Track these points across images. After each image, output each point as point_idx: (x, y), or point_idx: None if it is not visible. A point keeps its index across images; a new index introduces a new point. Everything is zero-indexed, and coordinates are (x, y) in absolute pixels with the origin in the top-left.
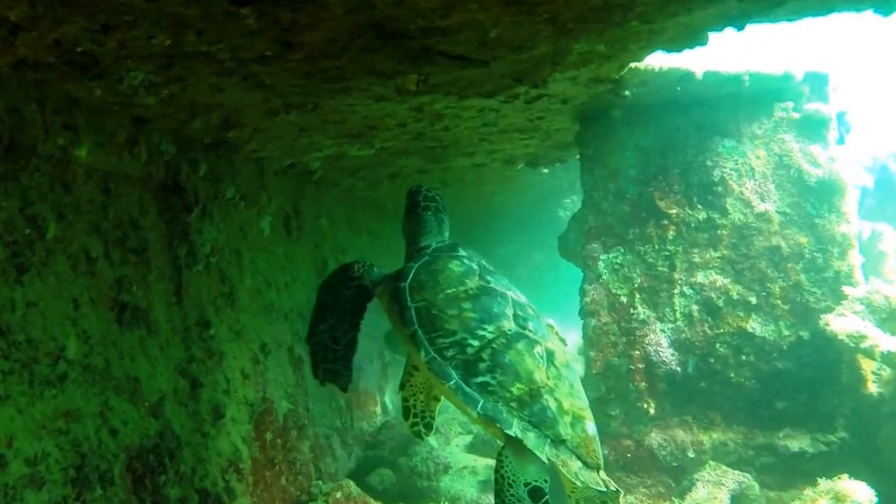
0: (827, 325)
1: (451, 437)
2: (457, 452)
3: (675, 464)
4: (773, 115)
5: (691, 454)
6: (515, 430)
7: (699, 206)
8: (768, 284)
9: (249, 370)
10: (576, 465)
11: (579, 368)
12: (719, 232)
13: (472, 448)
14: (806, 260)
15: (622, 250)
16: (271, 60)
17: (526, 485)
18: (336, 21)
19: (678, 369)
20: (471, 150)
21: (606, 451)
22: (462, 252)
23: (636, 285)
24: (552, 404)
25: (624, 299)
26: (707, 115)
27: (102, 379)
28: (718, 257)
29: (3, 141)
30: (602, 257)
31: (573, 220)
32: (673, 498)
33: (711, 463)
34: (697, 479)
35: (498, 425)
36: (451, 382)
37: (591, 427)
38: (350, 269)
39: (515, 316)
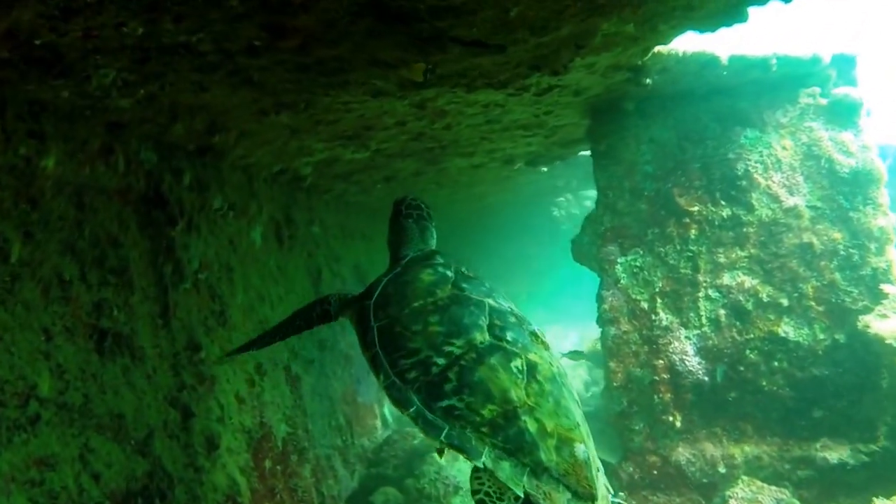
0: (867, 326)
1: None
2: (466, 471)
3: (704, 480)
4: (798, 102)
5: (722, 469)
6: (486, 459)
7: (722, 203)
8: (800, 284)
9: (245, 394)
10: (563, 496)
11: (581, 374)
12: (745, 229)
13: None
14: (841, 257)
15: (641, 252)
16: (261, 51)
17: (517, 499)
18: (333, 0)
19: (706, 378)
20: (470, 150)
21: (631, 469)
22: (438, 260)
23: (657, 289)
24: (532, 426)
25: (645, 305)
26: (727, 104)
27: (81, 417)
28: (745, 257)
29: None
30: (620, 260)
31: (587, 222)
32: None
33: (745, 478)
34: (730, 497)
35: (465, 456)
36: (411, 410)
37: (581, 451)
38: (325, 300)
39: (491, 326)
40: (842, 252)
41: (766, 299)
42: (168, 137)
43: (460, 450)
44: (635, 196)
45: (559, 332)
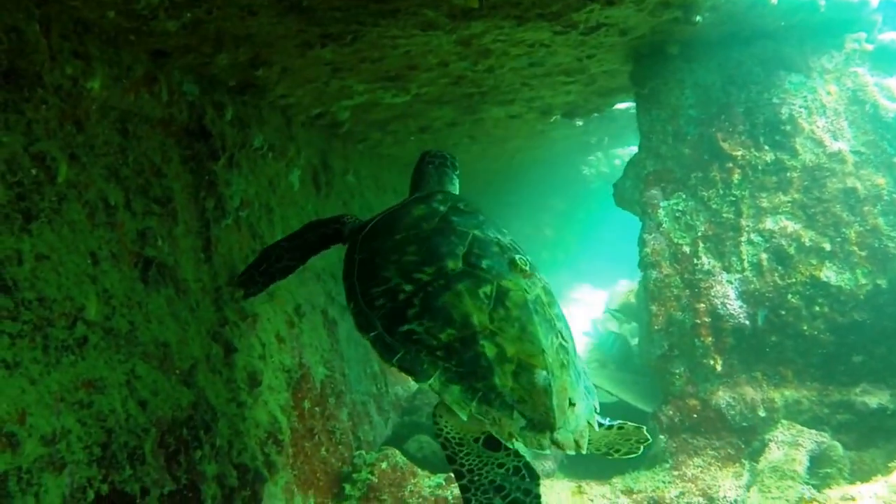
0: None
1: None
2: None
3: (744, 424)
4: (843, 48)
5: (762, 413)
6: (433, 381)
7: (766, 147)
8: (843, 229)
9: (285, 334)
10: (514, 423)
11: (611, 328)
12: (789, 174)
13: None
14: (884, 202)
15: (683, 196)
16: None
17: (476, 440)
18: None
19: (747, 322)
20: (510, 98)
21: (671, 412)
22: (438, 197)
23: (700, 234)
24: (489, 351)
25: (687, 249)
26: (772, 49)
27: (128, 344)
28: (788, 201)
29: (0, 65)
30: (662, 204)
31: (629, 165)
32: (743, 460)
33: (784, 422)
34: (770, 440)
35: (413, 377)
36: (372, 334)
37: (541, 377)
38: (341, 216)
39: (468, 254)
40: (885, 197)
41: (808, 244)
42: (211, 69)
43: (410, 371)
44: (678, 140)
45: (588, 292)
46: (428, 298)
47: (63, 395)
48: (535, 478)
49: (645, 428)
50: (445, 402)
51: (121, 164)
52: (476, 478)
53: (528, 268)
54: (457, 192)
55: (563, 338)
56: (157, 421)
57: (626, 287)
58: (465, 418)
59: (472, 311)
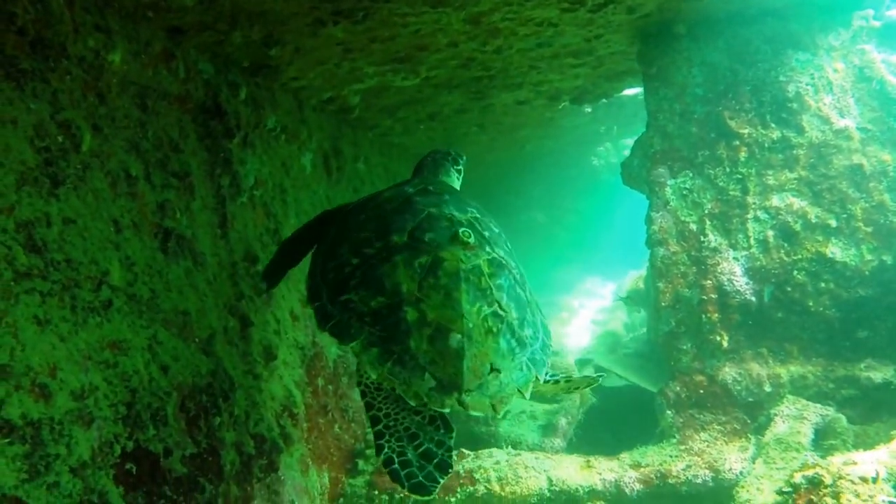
0: None
1: None
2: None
3: (750, 399)
4: (851, 25)
5: (768, 388)
6: (356, 345)
7: (773, 125)
8: (849, 206)
9: (299, 312)
10: (424, 384)
11: (620, 316)
12: (795, 151)
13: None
14: (890, 178)
15: (690, 174)
16: None
17: (392, 389)
18: None
19: (753, 299)
20: (518, 81)
21: (678, 388)
22: (414, 181)
23: (706, 211)
24: (411, 316)
25: (693, 226)
26: (779, 27)
27: (149, 311)
28: (795, 179)
29: (27, 34)
30: (669, 183)
31: (637, 145)
32: (749, 434)
33: (790, 397)
34: (775, 414)
35: (338, 340)
36: (317, 304)
37: (455, 340)
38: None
39: (416, 228)
40: (891, 173)
41: (814, 220)
42: (225, 48)
43: (337, 336)
44: (685, 119)
45: (598, 284)
46: (368, 270)
47: (90, 353)
48: (449, 429)
49: (598, 375)
50: (362, 364)
51: (140, 138)
52: (392, 423)
53: (471, 240)
54: (455, 185)
55: (499, 307)
56: (178, 385)
57: (634, 275)
58: (374, 377)
59: (402, 280)
